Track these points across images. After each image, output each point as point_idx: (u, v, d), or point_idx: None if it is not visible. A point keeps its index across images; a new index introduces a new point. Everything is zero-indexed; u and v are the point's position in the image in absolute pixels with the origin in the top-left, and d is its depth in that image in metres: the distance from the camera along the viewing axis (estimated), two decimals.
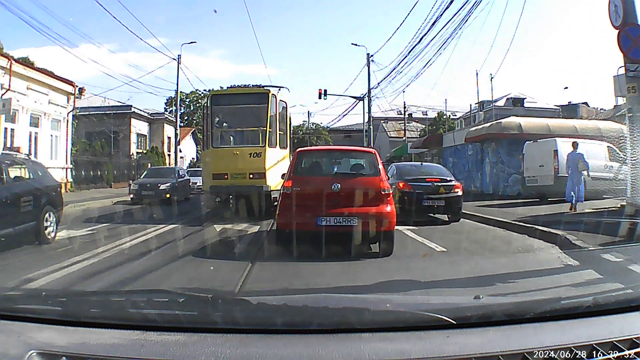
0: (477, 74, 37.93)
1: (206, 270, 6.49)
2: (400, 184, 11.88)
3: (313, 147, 18.84)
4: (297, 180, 7.60)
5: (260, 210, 12.18)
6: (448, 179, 12.46)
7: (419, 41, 20.47)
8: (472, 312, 1.57)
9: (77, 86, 24.13)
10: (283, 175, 8.82)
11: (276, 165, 12.99)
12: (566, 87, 63.59)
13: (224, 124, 15.23)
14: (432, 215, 12.23)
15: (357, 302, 1.86)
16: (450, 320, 1.46)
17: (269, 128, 13.02)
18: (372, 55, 32.88)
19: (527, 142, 17.02)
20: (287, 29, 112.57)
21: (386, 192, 7.41)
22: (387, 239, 7.30)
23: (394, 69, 26.77)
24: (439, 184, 11.96)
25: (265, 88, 13.78)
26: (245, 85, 15.05)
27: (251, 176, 12.62)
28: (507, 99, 43.48)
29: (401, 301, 2.22)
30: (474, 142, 23.34)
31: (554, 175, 15.06)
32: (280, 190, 8.43)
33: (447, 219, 12.09)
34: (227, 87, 15.16)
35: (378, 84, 32.13)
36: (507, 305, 1.70)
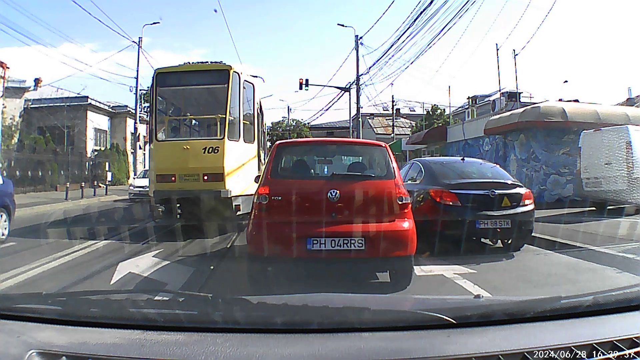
0: (497, 48, 30.00)
1: None
2: (436, 193, 7.75)
3: (299, 140, 14.06)
4: (277, 186, 5.47)
5: (218, 224, 9.57)
6: (510, 182, 8.10)
7: (415, 19, 18.32)
8: (472, 312, 1.57)
9: (7, 67, 20.87)
10: (257, 177, 6.89)
11: (239, 163, 10.18)
12: (566, 81, 62.80)
13: (172, 111, 12.43)
14: (476, 239, 8.17)
15: (357, 302, 1.86)
16: (451, 320, 1.46)
17: (230, 115, 10.01)
18: (361, 37, 29.55)
19: (584, 131, 13.02)
20: (267, 17, 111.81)
21: (404, 202, 5.42)
22: (405, 268, 5.41)
23: (387, 51, 23.86)
24: (501, 191, 7.64)
25: (226, 64, 10.43)
26: (202, 62, 11.24)
27: (206, 178, 9.66)
28: (502, 93, 42.68)
29: (401, 301, 2.23)
30: (496, 134, 19.17)
31: (628, 176, 11.25)
32: (252, 199, 5.91)
33: (502, 246, 8.16)
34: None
35: (368, 69, 28.33)
36: (507, 305, 1.71)
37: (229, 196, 9.62)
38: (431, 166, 8.91)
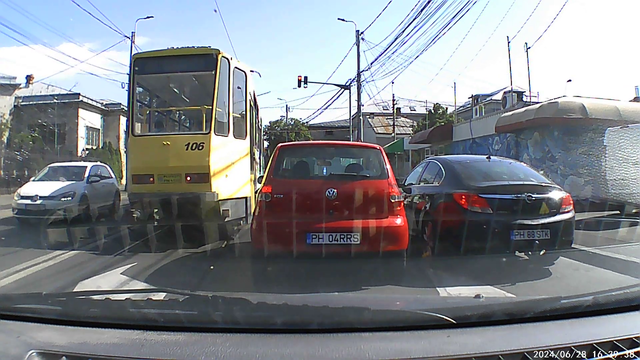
0: (508, 41, 27.41)
1: None
2: (462, 198, 6.58)
3: (299, 142, 14.83)
4: (279, 185, 5.92)
5: (203, 232, 8.38)
6: (547, 184, 6.99)
7: (422, 10, 17.30)
8: (472, 312, 1.57)
9: None
10: (260, 178, 6.94)
11: (228, 162, 8.89)
12: (569, 80, 60.73)
13: (153, 101, 11.07)
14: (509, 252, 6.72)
15: (357, 302, 1.87)
16: (451, 320, 1.47)
17: (217, 106, 8.75)
18: (362, 32, 28.13)
19: (609, 128, 12.11)
20: (265, 14, 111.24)
21: (396, 200, 5.84)
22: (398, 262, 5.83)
23: (389, 46, 22.89)
24: (539, 195, 6.52)
25: (214, 48, 9.12)
26: (188, 47, 9.61)
27: (189, 179, 8.43)
28: (505, 92, 41.99)
29: (401, 301, 2.23)
30: (508, 131, 17.99)
31: None
32: (256, 197, 6.45)
33: (528, 256, 6.92)
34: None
35: (370, 65, 27.18)
36: (507, 305, 1.71)
37: (215, 200, 8.40)
38: (453, 166, 7.62)
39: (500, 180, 6.99)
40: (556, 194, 6.72)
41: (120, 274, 6.39)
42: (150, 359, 1.28)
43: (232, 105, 9.07)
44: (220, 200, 8.49)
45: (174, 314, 1.58)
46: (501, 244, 6.36)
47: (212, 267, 6.74)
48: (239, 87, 9.60)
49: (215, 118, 8.67)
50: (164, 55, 9.44)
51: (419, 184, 8.38)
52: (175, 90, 11.42)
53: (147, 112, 10.60)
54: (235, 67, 9.36)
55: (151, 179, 8.54)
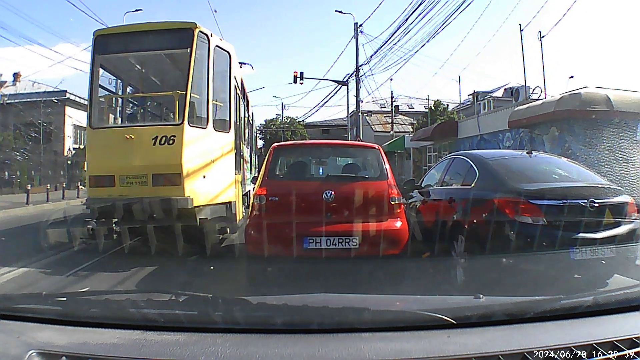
0: (521, 30, 23.03)
1: None
2: (507, 204, 5.14)
3: (295, 142, 14.06)
4: (274, 187, 5.69)
5: (176, 246, 6.62)
6: (606, 186, 5.61)
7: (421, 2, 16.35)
8: (472, 312, 1.57)
9: None
10: (254, 179, 6.51)
11: (206, 160, 7.41)
12: (572, 77, 59.74)
13: (117, 86, 9.52)
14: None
15: (357, 302, 1.88)
16: (451, 320, 1.47)
17: (193, 92, 7.32)
18: (361, 25, 27.08)
19: None
20: (261, 10, 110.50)
21: (396, 202, 5.62)
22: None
23: (389, 38, 22.09)
24: (602, 201, 5.06)
25: (190, 22, 7.58)
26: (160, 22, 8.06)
27: (157, 180, 7.05)
28: (505, 89, 40.89)
29: (401, 301, 2.23)
30: (522, 126, 16.68)
31: None
32: (252, 200, 5.95)
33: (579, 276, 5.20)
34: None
35: (369, 58, 26.17)
36: (507, 305, 1.71)
37: (189, 206, 6.98)
38: (489, 163, 6.12)
39: (550, 181, 5.63)
40: (621, 199, 5.33)
41: None
42: (150, 359, 1.29)
43: (212, 90, 7.58)
44: (196, 206, 7.14)
45: (174, 314, 1.58)
46: (560, 265, 4.96)
47: (211, 267, 6.61)
48: (220, 70, 8.02)
49: (189, 105, 7.25)
50: (130, 31, 8.04)
51: (441, 185, 7.12)
52: (146, 73, 9.81)
53: (111, 99, 9.12)
54: (217, 46, 7.86)
55: (112, 181, 7.19)
